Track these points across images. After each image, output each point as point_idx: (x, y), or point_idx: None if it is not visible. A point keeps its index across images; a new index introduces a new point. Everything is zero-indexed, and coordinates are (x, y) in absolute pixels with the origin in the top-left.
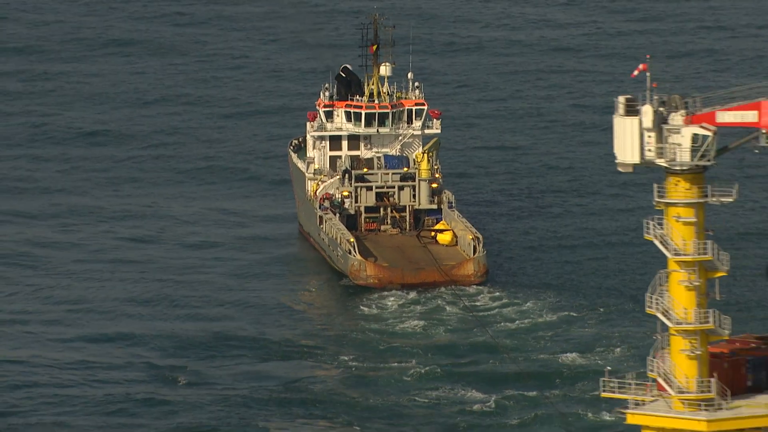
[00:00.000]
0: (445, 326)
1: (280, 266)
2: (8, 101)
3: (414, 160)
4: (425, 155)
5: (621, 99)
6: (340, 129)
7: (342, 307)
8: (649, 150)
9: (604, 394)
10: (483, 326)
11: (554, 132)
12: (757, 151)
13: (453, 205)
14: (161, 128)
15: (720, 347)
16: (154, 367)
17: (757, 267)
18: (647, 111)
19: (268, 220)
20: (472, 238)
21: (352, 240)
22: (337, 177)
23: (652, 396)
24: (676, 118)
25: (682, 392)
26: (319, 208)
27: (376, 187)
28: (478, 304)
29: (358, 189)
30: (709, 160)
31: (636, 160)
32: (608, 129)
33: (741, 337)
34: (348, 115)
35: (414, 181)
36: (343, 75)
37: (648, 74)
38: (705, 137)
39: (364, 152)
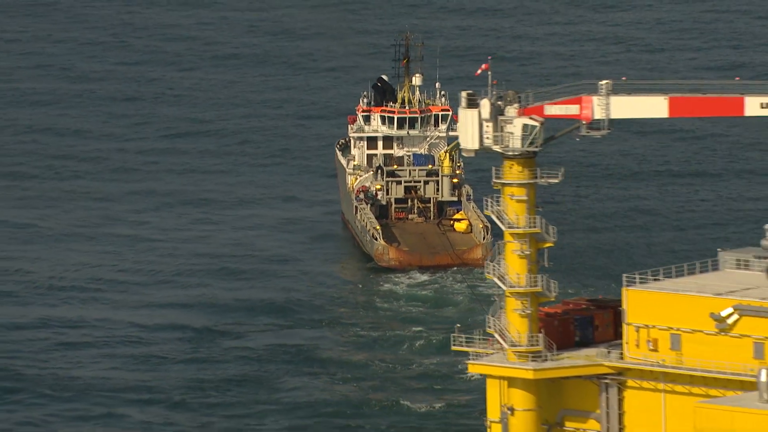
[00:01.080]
0: (450, 303)
1: (320, 248)
2: (122, 102)
3: (438, 158)
4: (447, 154)
5: (464, 94)
6: (376, 131)
7: (363, 285)
8: (487, 138)
9: (453, 348)
10: (482, 304)
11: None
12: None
13: (471, 197)
14: (243, 128)
15: (555, 308)
16: (192, 330)
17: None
18: (485, 104)
19: (318, 207)
20: (482, 227)
21: (378, 228)
22: (372, 172)
23: (494, 349)
24: (511, 111)
25: (515, 345)
26: (356, 199)
27: (405, 182)
28: (482, 284)
29: (389, 183)
30: (537, 147)
31: (476, 146)
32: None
33: (575, 299)
34: (383, 119)
35: (438, 176)
36: (379, 84)
37: (489, 73)
38: (533, 127)
39: (396, 151)
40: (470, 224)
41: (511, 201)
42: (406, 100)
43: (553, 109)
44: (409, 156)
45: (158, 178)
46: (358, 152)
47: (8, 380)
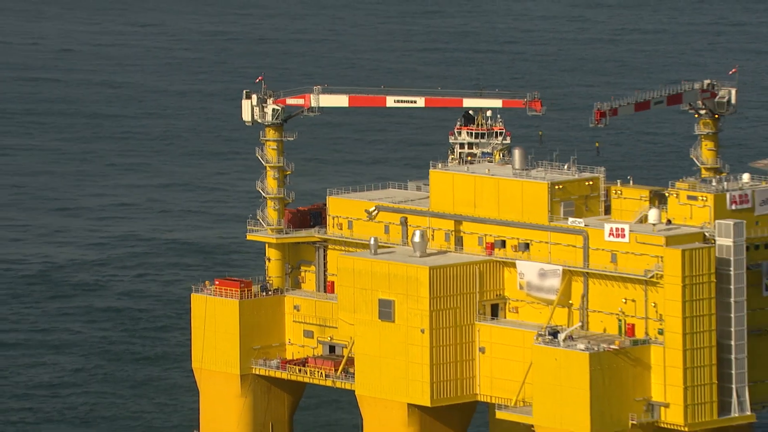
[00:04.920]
0: None
1: None
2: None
3: (494, 155)
4: (499, 153)
5: (244, 92)
6: (464, 140)
7: None
8: (256, 115)
9: (248, 227)
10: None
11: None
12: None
13: None
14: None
15: (306, 207)
16: None
17: None
18: (254, 97)
19: None
20: None
21: None
22: (457, 162)
23: (263, 228)
24: (269, 101)
25: (270, 226)
26: None
27: None
28: None
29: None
30: (279, 120)
31: (250, 119)
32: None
33: (315, 204)
34: (468, 133)
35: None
36: (467, 115)
37: (263, 82)
38: (277, 110)
39: (474, 150)
40: None
41: (269, 149)
42: (480, 123)
43: (291, 101)
44: (480, 153)
45: None
46: (456, 153)
47: None
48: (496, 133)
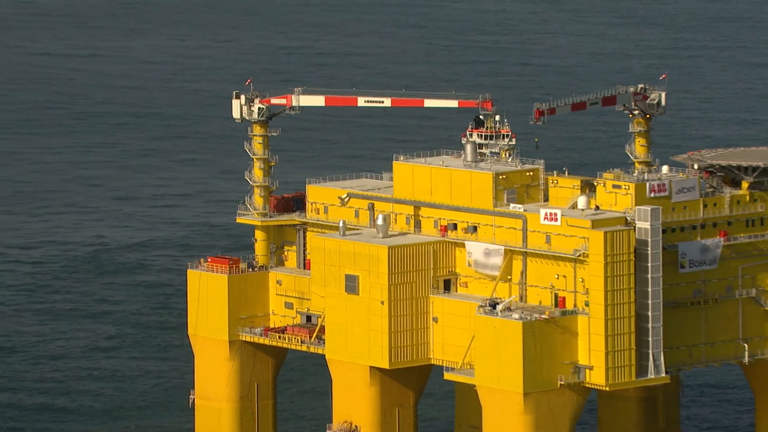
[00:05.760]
0: None
1: None
2: None
3: (500, 153)
4: (505, 152)
5: (234, 92)
6: (475, 141)
7: None
8: (245, 113)
9: (239, 211)
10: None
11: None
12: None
13: None
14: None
15: (290, 194)
16: None
17: None
18: (242, 97)
19: None
20: None
21: None
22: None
23: (251, 212)
24: (256, 101)
25: (257, 210)
26: None
27: None
28: None
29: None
30: (267, 118)
31: (239, 116)
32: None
33: (298, 191)
34: (478, 135)
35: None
36: (477, 119)
37: (251, 84)
38: (263, 108)
39: (484, 150)
40: None
41: (256, 143)
42: (489, 126)
43: (274, 101)
44: (488, 153)
45: None
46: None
47: None
48: (503, 135)
